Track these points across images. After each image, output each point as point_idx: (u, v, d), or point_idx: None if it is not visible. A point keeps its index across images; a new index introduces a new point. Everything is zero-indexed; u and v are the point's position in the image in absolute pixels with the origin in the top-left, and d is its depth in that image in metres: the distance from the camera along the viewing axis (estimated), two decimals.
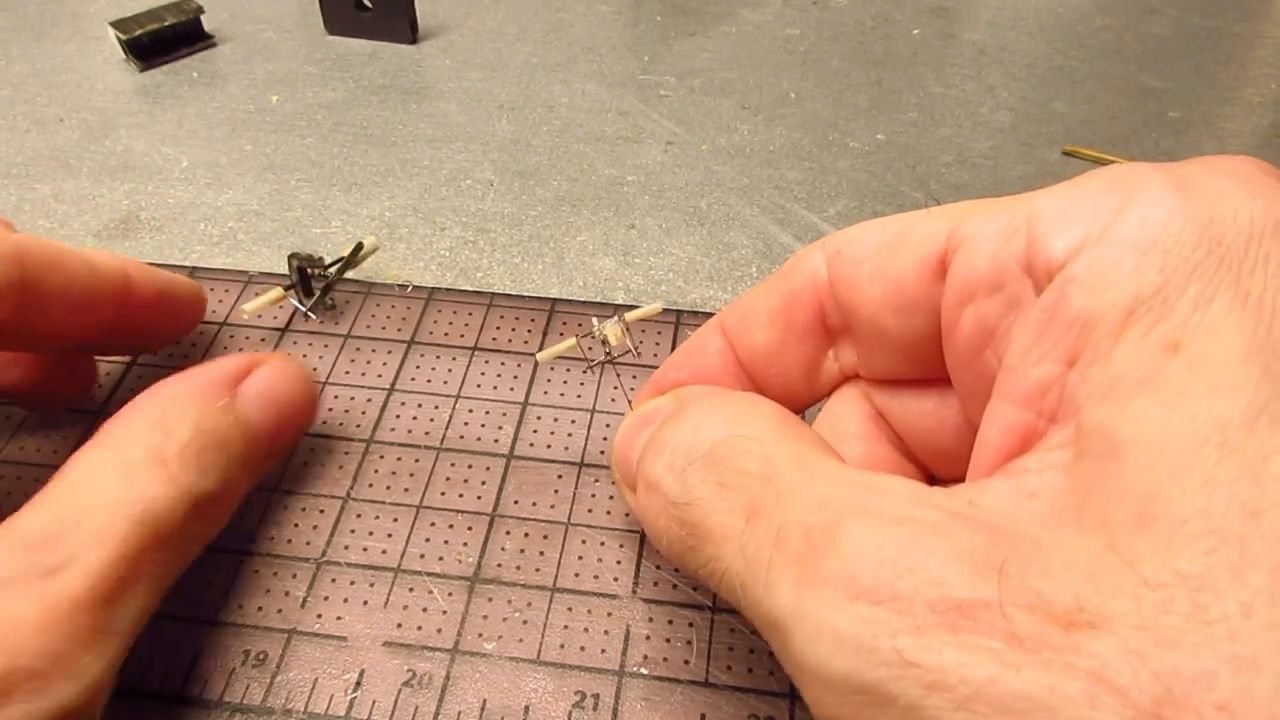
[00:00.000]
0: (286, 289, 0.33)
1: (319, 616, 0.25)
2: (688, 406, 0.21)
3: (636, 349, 0.28)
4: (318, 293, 0.33)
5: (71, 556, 0.20)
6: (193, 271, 0.36)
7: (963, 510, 0.15)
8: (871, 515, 0.15)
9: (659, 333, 0.34)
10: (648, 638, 0.25)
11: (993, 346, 0.18)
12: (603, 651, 0.25)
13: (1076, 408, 0.15)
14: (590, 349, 0.27)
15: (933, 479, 0.23)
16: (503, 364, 0.32)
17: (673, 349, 0.31)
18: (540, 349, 0.33)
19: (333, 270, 0.34)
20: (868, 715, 0.14)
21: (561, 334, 0.33)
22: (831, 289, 0.22)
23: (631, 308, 0.28)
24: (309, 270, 0.33)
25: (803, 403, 0.24)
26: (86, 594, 0.19)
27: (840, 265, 0.21)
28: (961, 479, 0.19)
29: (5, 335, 0.25)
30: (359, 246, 0.35)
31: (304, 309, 0.33)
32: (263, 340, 0.33)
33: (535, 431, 0.30)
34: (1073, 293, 0.16)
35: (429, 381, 0.32)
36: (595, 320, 0.26)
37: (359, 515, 0.28)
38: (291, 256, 0.33)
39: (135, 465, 0.22)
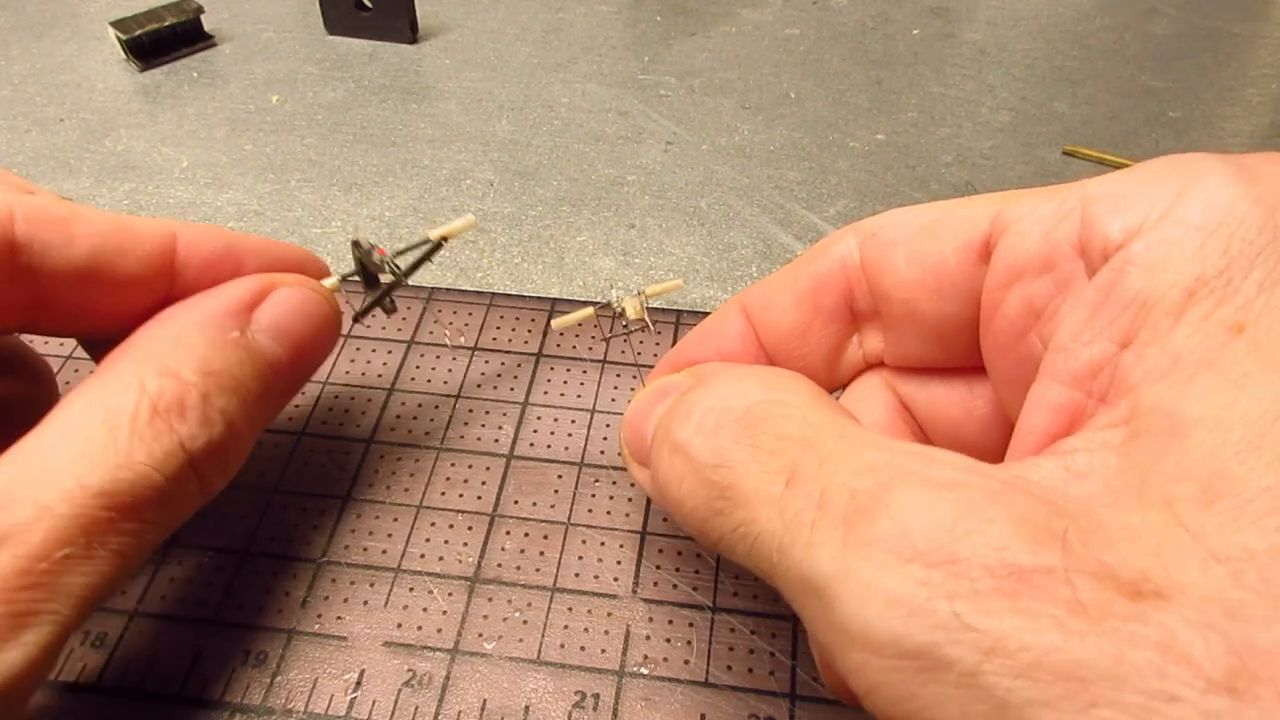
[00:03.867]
0: (342, 279, 0.27)
1: (319, 616, 0.25)
2: (714, 376, 0.21)
3: (652, 323, 0.27)
4: (377, 293, 0.27)
5: (8, 531, 0.18)
6: None
7: (1015, 481, 0.15)
8: (922, 480, 0.15)
9: (659, 333, 0.34)
10: (648, 638, 0.25)
11: (1038, 328, 0.18)
12: (603, 651, 0.25)
13: (1131, 387, 0.15)
14: (597, 324, 0.26)
15: None
16: (503, 364, 0.32)
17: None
18: (540, 350, 0.33)
19: (403, 262, 0.27)
20: (918, 682, 0.14)
21: (561, 335, 0.33)
22: (864, 271, 0.22)
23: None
24: (373, 264, 0.27)
25: (823, 389, 0.24)
26: (13, 578, 0.17)
27: (875, 247, 0.21)
28: None
29: (4, 314, 0.21)
30: (440, 243, 0.27)
31: (355, 310, 0.27)
32: None
33: (535, 431, 0.30)
34: (1131, 273, 0.16)
35: (429, 381, 0.32)
36: (614, 292, 0.26)
37: (359, 515, 0.28)
38: (355, 244, 0.27)
39: (122, 416, 0.19)
